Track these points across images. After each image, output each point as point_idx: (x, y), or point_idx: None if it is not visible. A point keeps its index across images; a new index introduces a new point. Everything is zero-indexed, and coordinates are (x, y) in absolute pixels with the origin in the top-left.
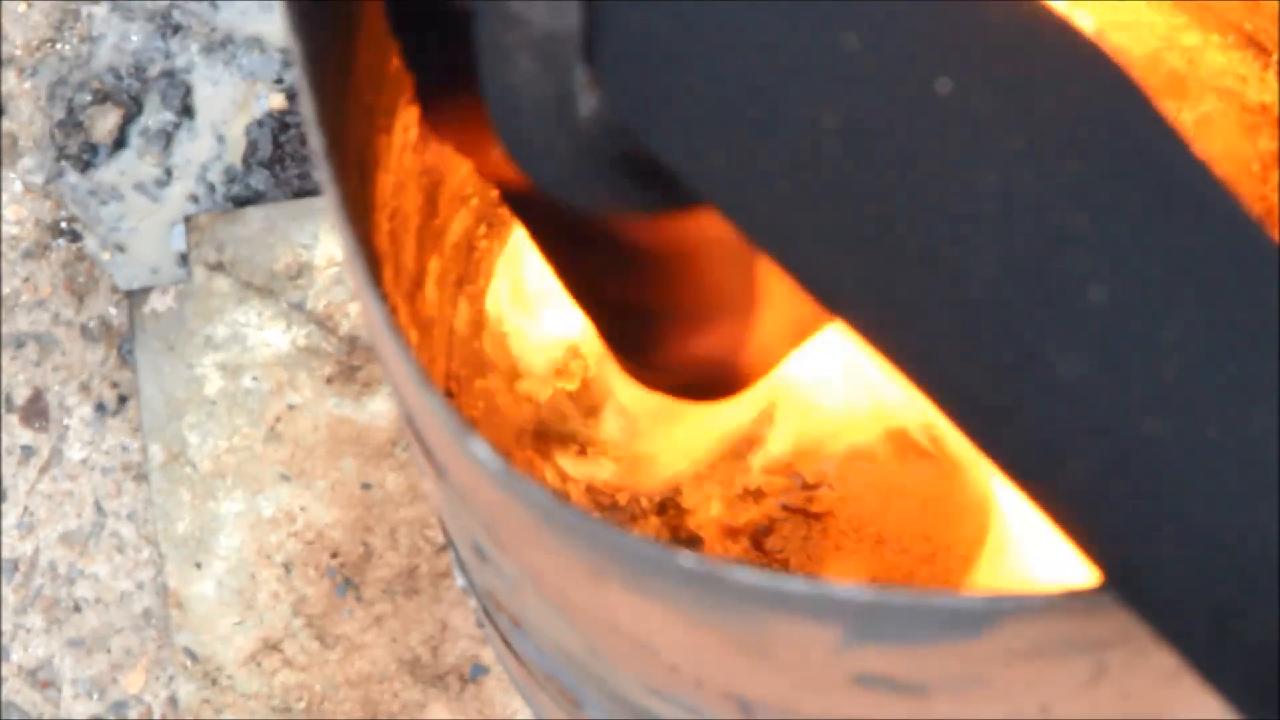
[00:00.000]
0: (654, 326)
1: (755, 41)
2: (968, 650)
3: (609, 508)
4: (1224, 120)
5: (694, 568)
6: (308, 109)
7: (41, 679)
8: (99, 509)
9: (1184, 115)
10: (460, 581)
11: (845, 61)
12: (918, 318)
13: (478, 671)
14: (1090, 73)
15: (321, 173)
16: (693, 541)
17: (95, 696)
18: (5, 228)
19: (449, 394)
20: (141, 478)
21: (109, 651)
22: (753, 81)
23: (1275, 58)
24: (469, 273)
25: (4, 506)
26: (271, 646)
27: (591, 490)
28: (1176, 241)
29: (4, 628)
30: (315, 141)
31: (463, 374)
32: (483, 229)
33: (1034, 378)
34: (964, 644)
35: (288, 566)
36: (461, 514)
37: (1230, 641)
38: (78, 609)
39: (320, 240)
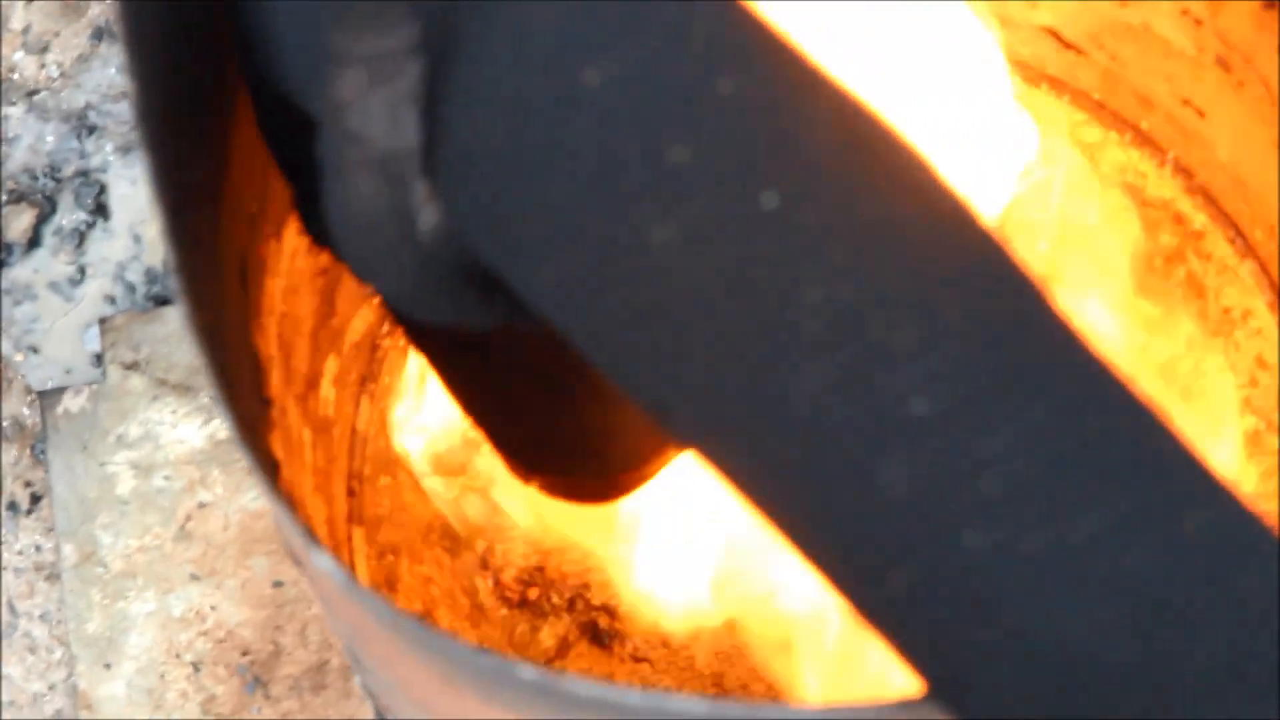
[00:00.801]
0: (530, 439)
1: (586, 156)
2: None
3: (519, 604)
4: (1126, 215)
5: (533, 679)
6: (161, 223)
7: None
8: (12, 609)
9: (1088, 209)
10: (358, 679)
11: (674, 176)
12: (742, 434)
13: None
14: (917, 185)
15: (176, 286)
16: (609, 636)
17: None
18: None
19: (350, 493)
20: (54, 577)
21: None
22: (583, 197)
23: (1170, 155)
24: (372, 371)
25: None
26: None
27: (500, 586)
28: (1000, 356)
29: None
30: (170, 257)
31: (366, 472)
32: (386, 327)
33: (855, 490)
34: None
35: (197, 665)
36: (332, 620)
37: None
38: None
39: None
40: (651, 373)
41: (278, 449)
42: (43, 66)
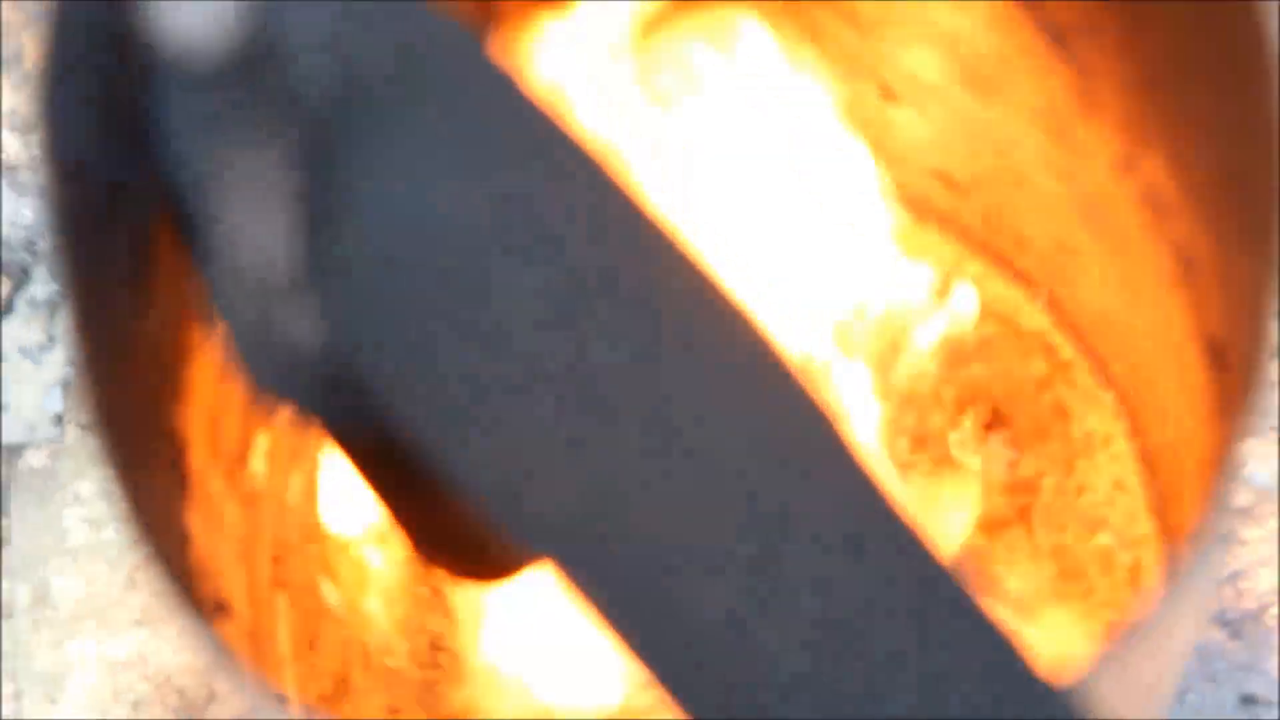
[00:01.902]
0: (421, 533)
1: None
2: None
3: (431, 667)
4: (1003, 343)
5: None
6: (70, 318)
7: None
8: None
9: (968, 336)
10: None
11: (525, 300)
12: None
13: None
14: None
15: (80, 381)
16: None
17: None
18: None
19: (276, 560)
20: (8, 617)
21: None
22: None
23: (1044, 291)
24: (302, 447)
25: None
26: None
27: (414, 652)
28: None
29: None
30: (76, 356)
31: (293, 540)
32: None
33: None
34: None
35: (136, 704)
36: None
37: None
38: None
39: None
40: (493, 481)
41: (194, 522)
42: (26, 146)
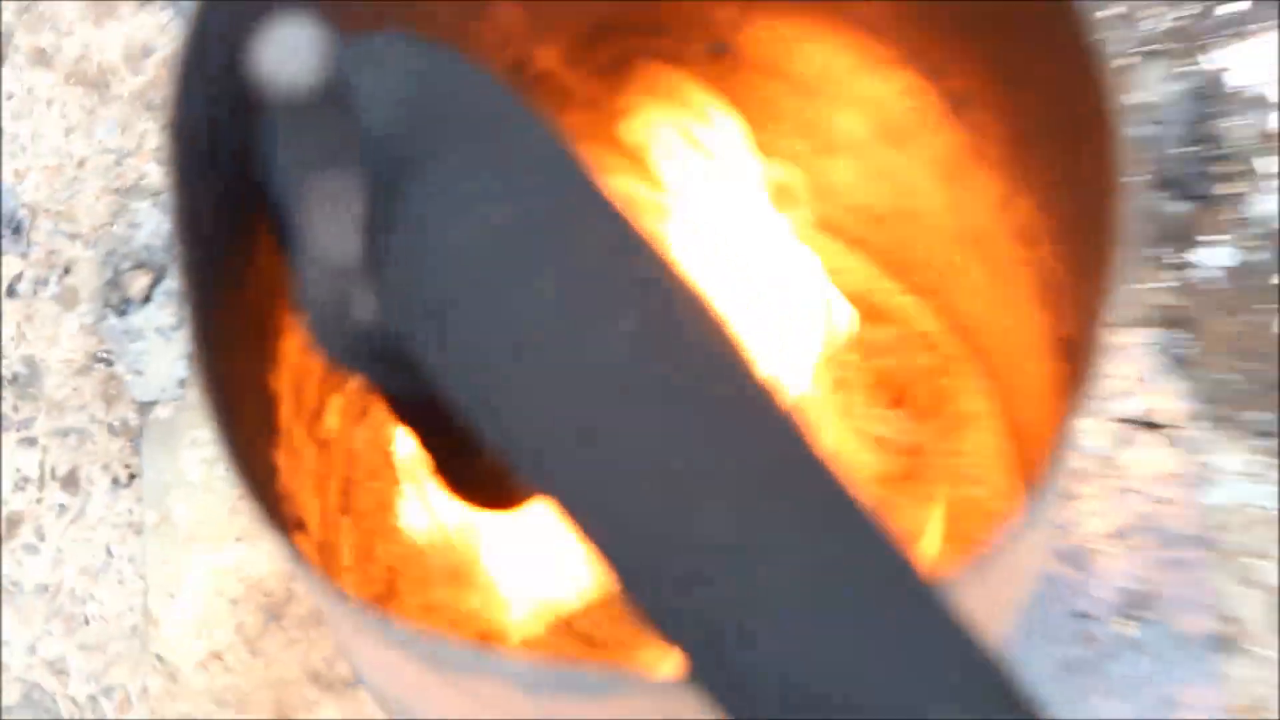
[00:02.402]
0: (446, 467)
1: (484, 281)
2: (601, 705)
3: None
4: (905, 341)
5: (413, 637)
6: (181, 290)
7: (57, 668)
8: (109, 552)
9: (880, 335)
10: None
11: (541, 303)
12: (579, 494)
13: (358, 681)
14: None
15: (192, 348)
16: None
17: (93, 683)
18: (65, 353)
19: (343, 492)
20: (140, 532)
21: (105, 653)
22: (478, 306)
23: (937, 300)
24: (368, 406)
25: (42, 545)
26: (216, 656)
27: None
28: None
29: (34, 632)
30: (190, 327)
31: (357, 478)
32: None
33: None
34: (596, 701)
35: (234, 601)
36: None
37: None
38: (87, 622)
39: None
40: (517, 447)
41: (282, 460)
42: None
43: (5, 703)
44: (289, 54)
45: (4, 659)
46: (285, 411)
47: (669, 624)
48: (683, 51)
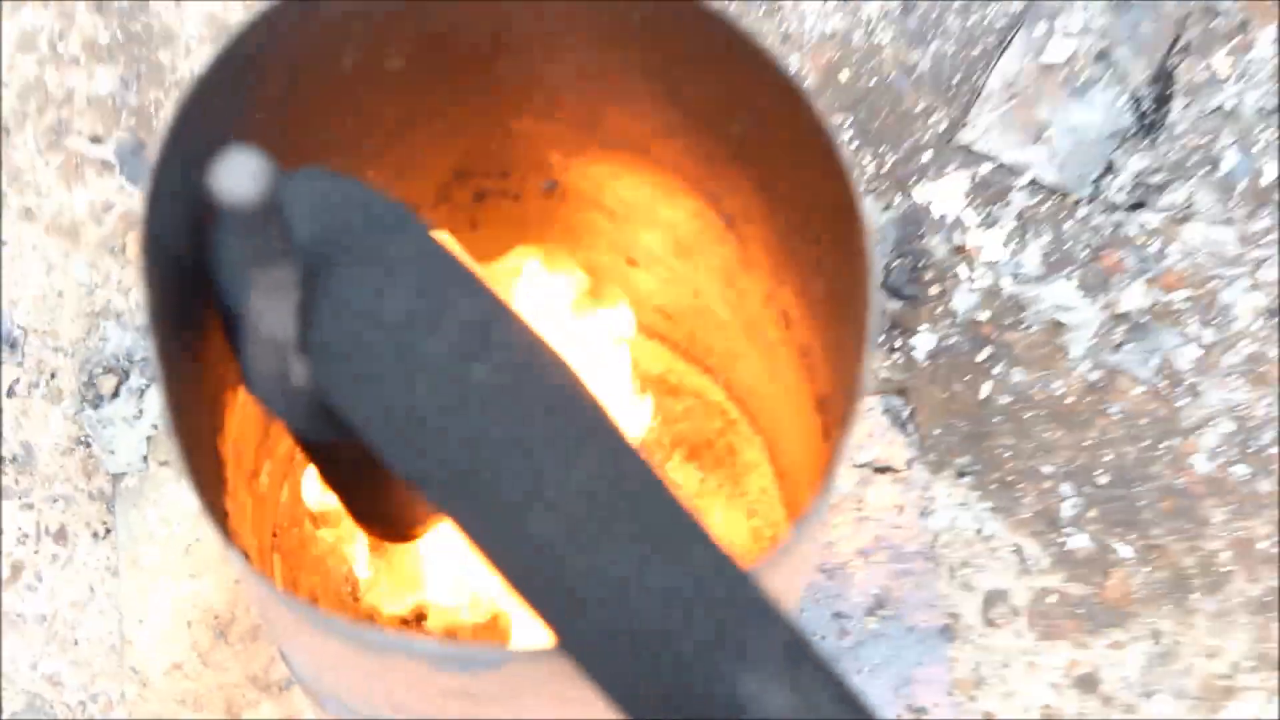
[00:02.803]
0: (357, 505)
1: (390, 354)
2: (494, 676)
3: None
4: (698, 410)
5: (349, 629)
6: (161, 396)
7: (54, 681)
8: (91, 590)
9: (676, 406)
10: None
11: (447, 371)
12: (468, 512)
13: (289, 684)
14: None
15: (165, 420)
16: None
17: (82, 691)
18: (54, 439)
19: (274, 535)
20: (116, 574)
21: (91, 667)
22: (386, 373)
23: (723, 378)
24: (291, 470)
25: (40, 585)
26: (176, 666)
27: (356, 598)
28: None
29: (35, 652)
30: (163, 417)
31: (283, 525)
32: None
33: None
34: (489, 673)
35: (189, 623)
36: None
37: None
38: (76, 643)
39: None
40: (419, 469)
41: (230, 507)
42: (127, 299)
43: (11, 710)
44: (239, 174)
45: (10, 674)
46: (230, 470)
47: (537, 602)
48: (523, 189)
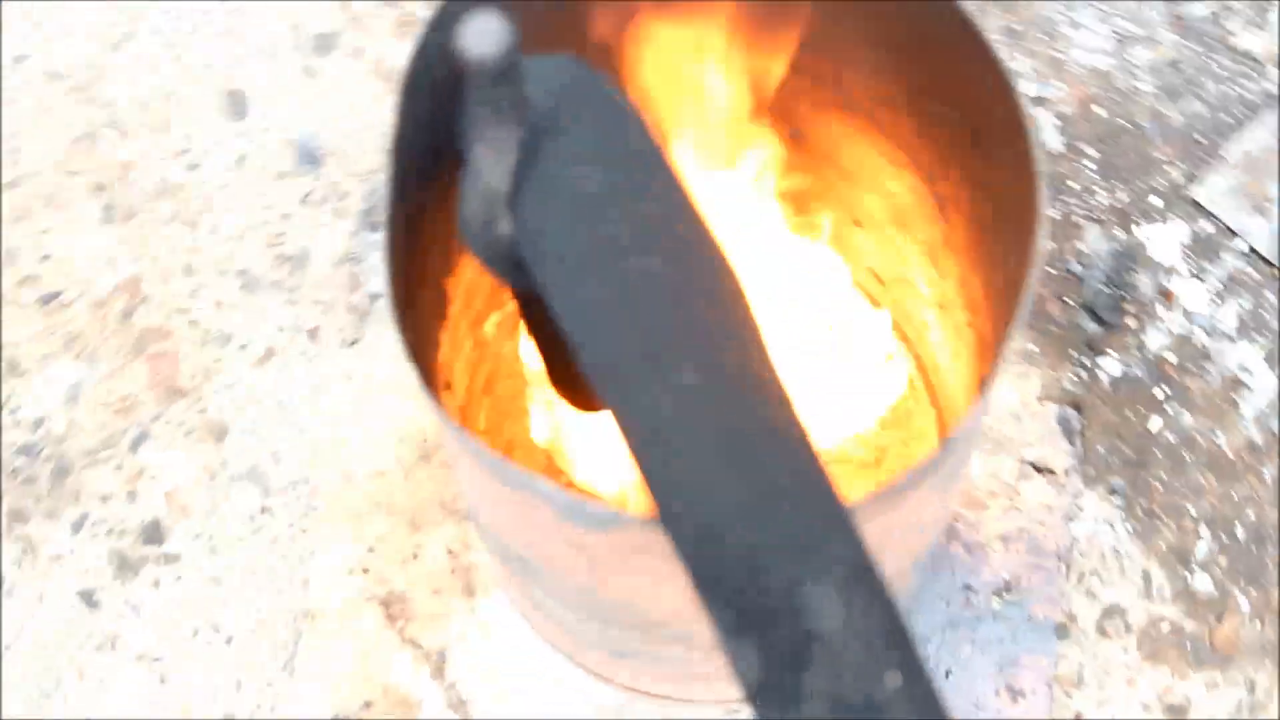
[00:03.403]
0: (552, 362)
1: (585, 219)
2: (603, 536)
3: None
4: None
5: (492, 459)
6: (385, 220)
7: (276, 458)
8: (328, 388)
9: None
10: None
11: (623, 249)
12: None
13: (470, 516)
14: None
15: (383, 248)
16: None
17: (297, 472)
18: (330, 250)
19: (487, 379)
20: (350, 379)
21: (308, 452)
22: (578, 239)
23: (915, 351)
24: (516, 327)
25: (285, 374)
26: (380, 474)
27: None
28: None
29: (268, 429)
30: (383, 241)
31: (501, 373)
32: None
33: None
34: (599, 532)
35: (400, 439)
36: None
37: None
38: (302, 431)
39: None
40: (576, 334)
41: (444, 339)
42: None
43: (233, 470)
44: (482, 34)
45: (241, 437)
46: (455, 308)
47: (648, 475)
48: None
